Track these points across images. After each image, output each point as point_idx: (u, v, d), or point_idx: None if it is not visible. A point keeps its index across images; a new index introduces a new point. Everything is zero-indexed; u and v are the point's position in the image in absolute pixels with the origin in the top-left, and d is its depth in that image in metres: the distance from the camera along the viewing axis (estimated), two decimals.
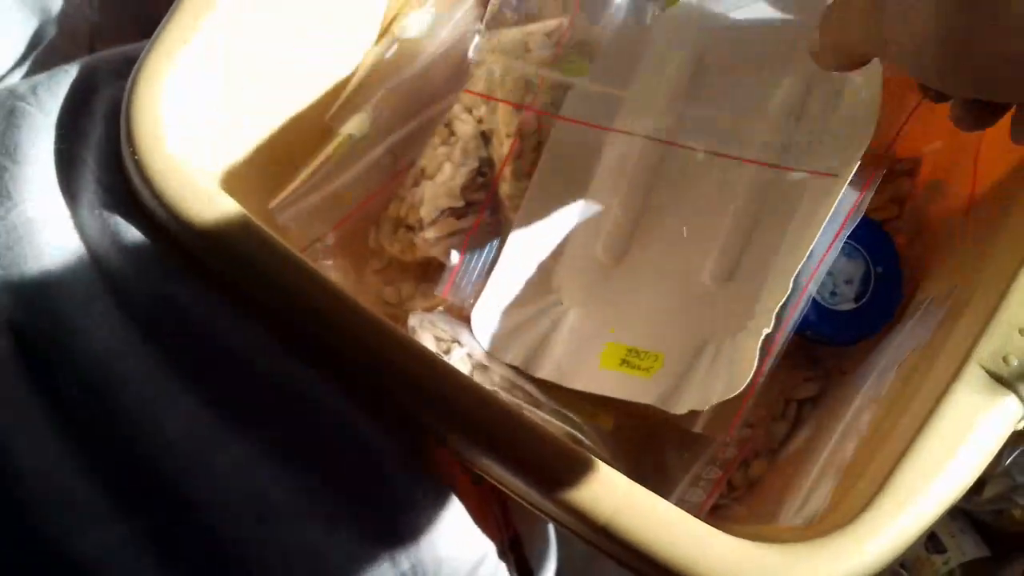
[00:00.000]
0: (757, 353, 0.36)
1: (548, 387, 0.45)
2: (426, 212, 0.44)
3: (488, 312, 0.43)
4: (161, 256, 0.35)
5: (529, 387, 0.44)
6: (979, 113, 0.33)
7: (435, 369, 0.33)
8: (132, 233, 0.35)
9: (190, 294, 0.35)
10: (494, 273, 0.44)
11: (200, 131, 0.38)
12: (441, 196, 0.44)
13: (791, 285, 0.37)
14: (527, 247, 0.44)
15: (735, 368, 0.37)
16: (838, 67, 0.36)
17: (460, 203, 0.44)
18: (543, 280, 0.44)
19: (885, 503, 0.31)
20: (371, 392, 0.35)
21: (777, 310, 0.37)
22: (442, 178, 0.44)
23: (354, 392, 0.34)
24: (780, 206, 0.41)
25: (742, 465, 0.42)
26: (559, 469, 0.31)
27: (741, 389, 0.36)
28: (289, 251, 0.34)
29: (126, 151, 0.35)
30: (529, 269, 0.44)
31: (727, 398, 0.36)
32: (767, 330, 0.36)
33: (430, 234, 0.44)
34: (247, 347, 0.34)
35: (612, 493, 0.31)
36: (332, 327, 0.33)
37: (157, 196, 0.34)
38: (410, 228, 0.46)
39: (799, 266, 0.37)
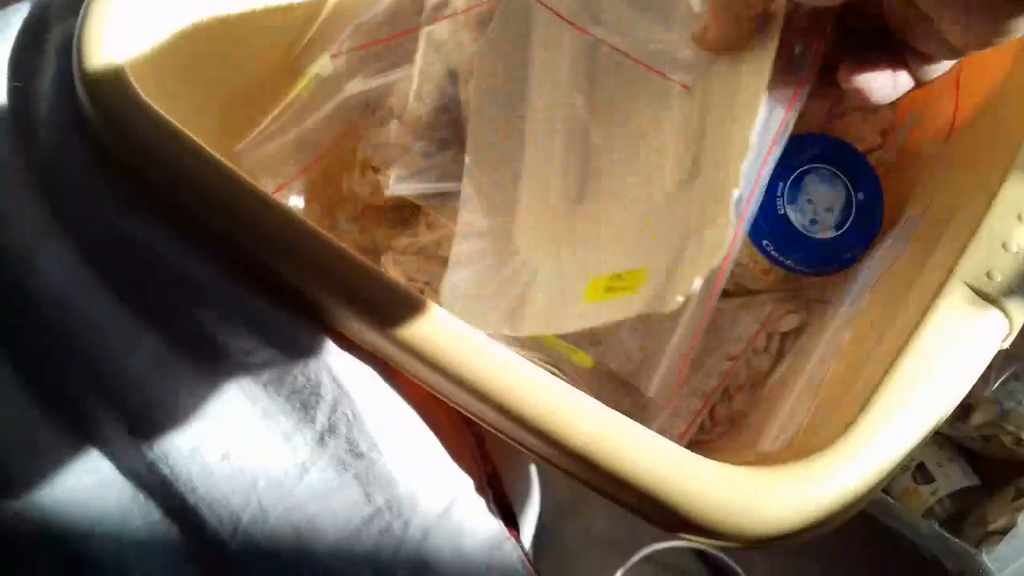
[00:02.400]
0: (732, 213, 0.34)
1: None
2: (392, 151, 0.43)
3: (456, 289, 0.42)
4: (115, 190, 0.34)
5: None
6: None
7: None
8: (86, 168, 0.34)
9: (145, 227, 0.33)
10: (453, 247, 0.42)
11: (155, 65, 0.36)
12: (406, 134, 0.43)
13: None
14: (481, 210, 0.43)
15: (714, 239, 0.36)
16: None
17: (425, 141, 0.43)
18: (505, 242, 0.43)
19: (866, 424, 0.30)
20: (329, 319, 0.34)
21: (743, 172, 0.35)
22: (408, 117, 0.43)
23: (318, 321, 0.34)
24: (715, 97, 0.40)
25: (724, 399, 0.41)
26: (533, 395, 0.31)
27: (724, 252, 0.34)
28: (246, 180, 0.33)
29: (79, 86, 0.34)
30: (488, 234, 0.43)
31: (713, 267, 0.33)
32: (736, 191, 0.35)
33: (395, 173, 0.43)
34: (203, 277, 0.33)
35: (588, 418, 0.30)
36: (295, 255, 0.32)
37: (111, 127, 0.33)
38: (376, 170, 0.45)
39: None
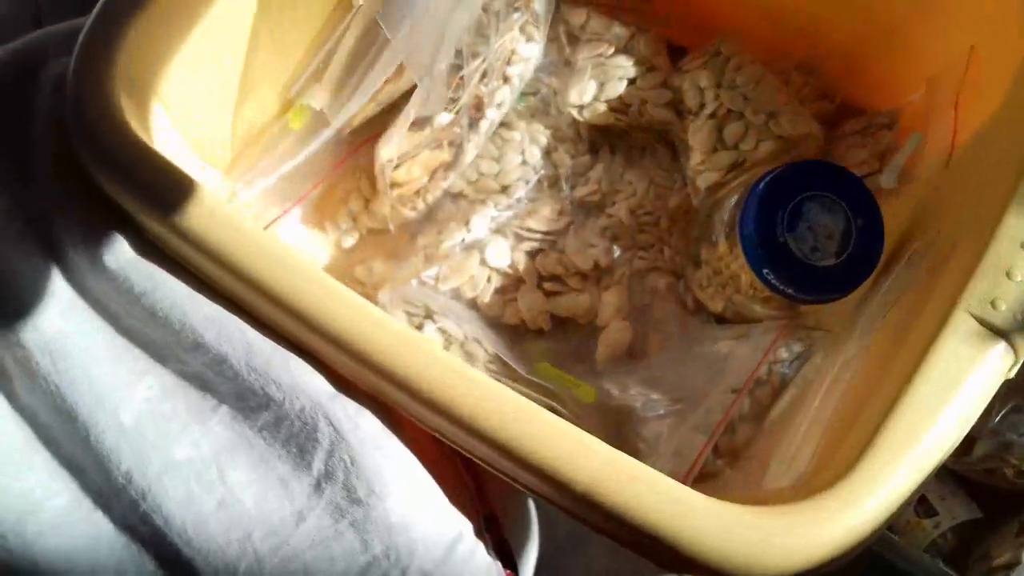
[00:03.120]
0: None
1: (529, 361, 0.44)
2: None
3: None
4: (112, 235, 0.34)
5: (510, 361, 0.43)
6: None
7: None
8: (84, 212, 0.34)
9: (146, 272, 0.33)
10: None
11: (154, 101, 0.36)
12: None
13: None
14: None
15: None
16: None
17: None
18: None
19: (873, 460, 0.30)
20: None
21: None
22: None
23: (322, 369, 0.33)
24: None
25: (728, 430, 0.41)
26: (536, 435, 0.30)
27: None
28: (244, 222, 0.32)
29: (73, 122, 0.34)
30: None
31: None
32: None
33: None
34: (207, 327, 0.33)
35: (591, 459, 0.30)
36: (292, 299, 0.32)
37: (106, 166, 0.33)
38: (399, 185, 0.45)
39: None
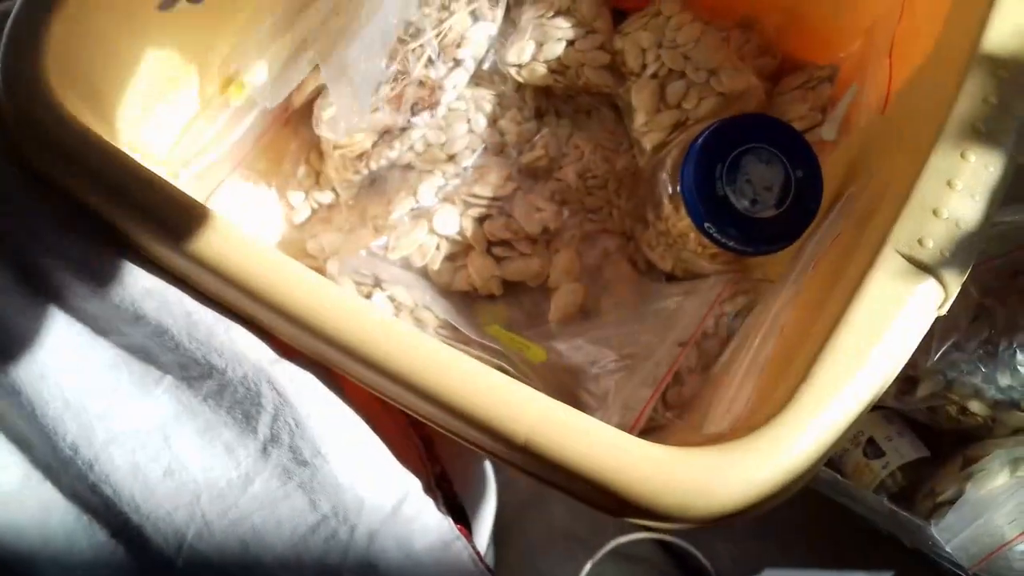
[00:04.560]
0: None
1: (480, 324, 0.44)
2: None
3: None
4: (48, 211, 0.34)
5: (461, 326, 0.43)
6: None
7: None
8: (16, 193, 0.34)
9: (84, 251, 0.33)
10: None
11: (85, 71, 0.36)
12: None
13: None
14: None
15: None
16: None
17: None
18: None
19: (806, 399, 0.30)
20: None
21: None
22: None
23: (264, 335, 0.34)
24: None
25: (676, 383, 0.41)
26: (475, 389, 0.31)
27: None
28: (180, 192, 0.33)
29: (3, 97, 0.34)
30: None
31: None
32: None
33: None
34: (146, 299, 0.33)
35: (529, 409, 0.30)
36: (230, 269, 0.32)
37: (41, 142, 0.33)
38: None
39: None
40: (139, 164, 0.33)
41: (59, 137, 0.33)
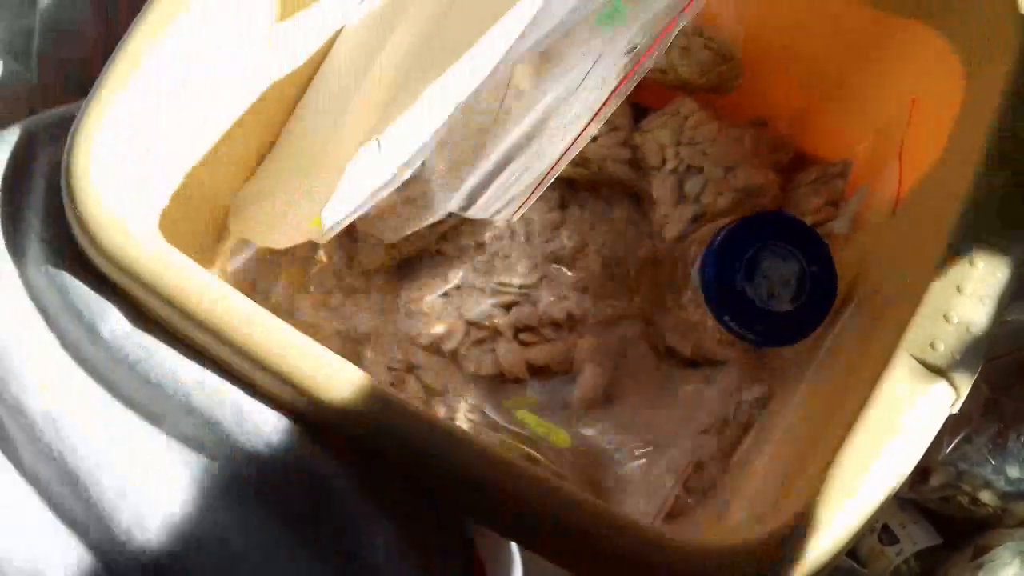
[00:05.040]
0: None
1: (509, 410, 0.46)
2: None
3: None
4: (108, 307, 0.36)
5: (489, 411, 0.45)
6: None
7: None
8: (78, 287, 0.36)
9: (139, 342, 0.35)
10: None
11: (143, 184, 0.39)
12: None
13: None
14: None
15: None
16: None
17: None
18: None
19: (826, 496, 0.32)
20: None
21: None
22: None
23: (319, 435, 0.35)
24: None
25: (697, 470, 0.43)
26: (506, 481, 0.32)
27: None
28: (231, 293, 0.35)
29: (68, 208, 0.36)
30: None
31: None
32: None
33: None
34: (198, 392, 0.35)
35: (559, 504, 0.32)
36: (281, 368, 0.34)
37: (99, 248, 0.35)
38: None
39: None
40: (190, 264, 0.35)
41: (112, 241, 0.35)
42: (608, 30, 0.46)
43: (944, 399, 0.34)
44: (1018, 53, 0.39)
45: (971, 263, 0.36)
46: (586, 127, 0.41)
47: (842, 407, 0.35)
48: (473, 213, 0.41)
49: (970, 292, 0.35)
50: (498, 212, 0.41)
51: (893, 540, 0.51)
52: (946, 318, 0.35)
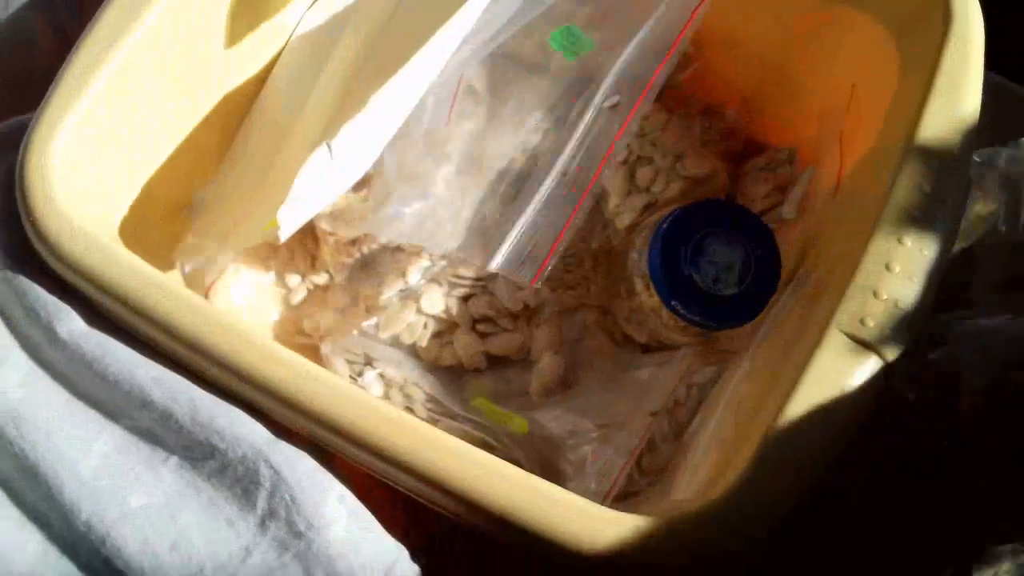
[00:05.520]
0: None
1: (467, 399, 0.47)
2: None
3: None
4: (64, 309, 0.37)
5: (445, 400, 0.46)
6: None
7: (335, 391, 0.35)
8: (35, 291, 0.37)
9: (95, 341, 0.37)
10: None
11: (94, 188, 0.40)
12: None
13: None
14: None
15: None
16: None
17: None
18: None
19: (759, 469, 0.33)
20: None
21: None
22: None
23: (262, 417, 0.37)
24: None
25: (650, 451, 0.44)
26: (456, 466, 0.33)
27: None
28: (184, 293, 0.36)
29: (23, 213, 0.37)
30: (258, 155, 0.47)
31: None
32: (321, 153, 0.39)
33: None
34: (154, 386, 0.36)
35: (507, 484, 0.33)
36: (230, 360, 0.35)
37: (54, 253, 0.36)
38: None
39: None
40: (145, 267, 0.36)
41: (68, 246, 0.37)
42: (570, 57, 0.48)
43: (874, 373, 0.35)
44: (944, 37, 0.40)
45: (899, 241, 0.37)
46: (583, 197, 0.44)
47: (780, 381, 0.36)
48: (498, 266, 0.43)
49: (899, 270, 0.36)
50: (521, 268, 0.43)
51: None
52: (875, 295, 0.36)
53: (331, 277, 0.52)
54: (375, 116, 0.40)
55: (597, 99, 0.45)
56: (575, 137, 0.45)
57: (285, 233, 0.39)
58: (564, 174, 0.44)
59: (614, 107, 0.45)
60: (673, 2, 0.45)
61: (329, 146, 0.39)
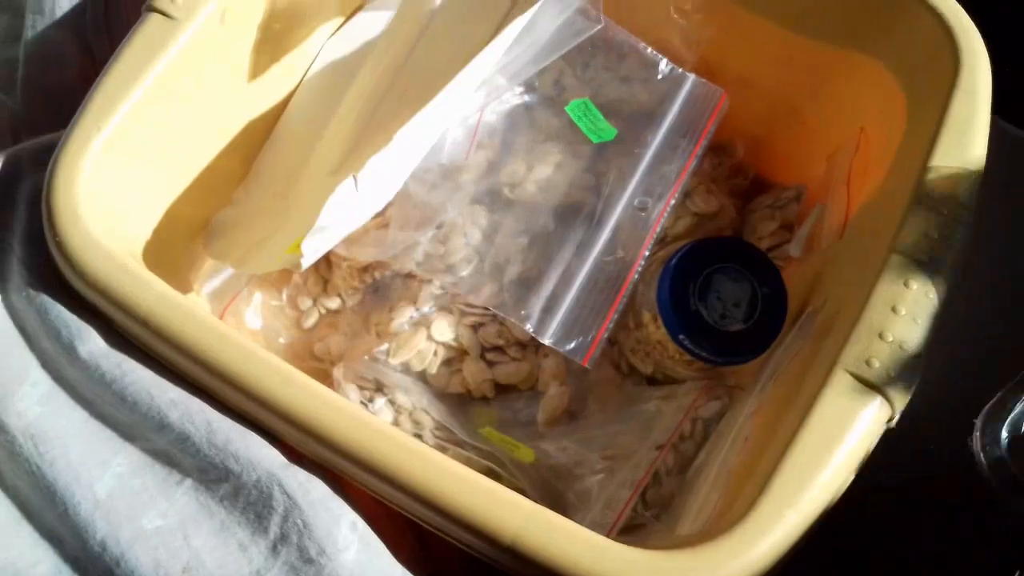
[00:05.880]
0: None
1: (474, 427, 0.48)
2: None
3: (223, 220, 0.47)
4: (85, 328, 0.38)
5: (453, 427, 0.47)
6: None
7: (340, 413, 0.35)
8: (57, 309, 0.38)
9: (115, 361, 0.37)
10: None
11: (118, 210, 0.40)
12: None
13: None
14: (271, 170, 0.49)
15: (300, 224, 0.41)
16: None
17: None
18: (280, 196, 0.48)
19: (764, 508, 0.33)
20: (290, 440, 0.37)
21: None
22: None
23: (276, 442, 0.37)
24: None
25: (655, 483, 0.44)
26: (465, 494, 0.34)
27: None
28: (205, 316, 0.37)
29: (48, 233, 0.38)
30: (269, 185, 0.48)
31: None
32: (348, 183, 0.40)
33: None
34: (171, 409, 0.36)
35: (516, 513, 0.34)
36: (248, 384, 0.36)
37: (78, 272, 0.37)
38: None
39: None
40: (166, 289, 0.37)
41: (92, 266, 0.37)
42: (593, 139, 0.49)
43: (880, 414, 0.36)
44: (952, 84, 0.41)
45: (906, 284, 0.38)
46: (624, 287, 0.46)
47: (784, 421, 0.36)
48: (550, 342, 0.45)
49: (904, 312, 0.37)
50: (571, 347, 0.45)
51: None
52: (881, 336, 0.37)
53: (343, 302, 0.52)
54: (399, 150, 0.41)
55: (625, 200, 0.48)
56: (607, 228, 0.48)
57: (307, 262, 0.40)
58: (604, 258, 0.47)
59: (643, 209, 0.47)
60: (691, 97, 0.46)
61: (355, 178, 0.40)
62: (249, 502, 0.36)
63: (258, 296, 0.51)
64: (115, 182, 0.40)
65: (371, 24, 0.50)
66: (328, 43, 0.51)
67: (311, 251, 0.40)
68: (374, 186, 0.42)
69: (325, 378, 0.49)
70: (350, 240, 0.50)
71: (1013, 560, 0.42)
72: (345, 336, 0.51)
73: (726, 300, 0.45)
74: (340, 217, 0.41)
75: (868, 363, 0.36)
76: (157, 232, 0.43)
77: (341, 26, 0.52)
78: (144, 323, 0.37)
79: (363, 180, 0.40)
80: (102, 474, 0.36)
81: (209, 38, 0.43)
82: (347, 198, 0.40)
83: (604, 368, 0.51)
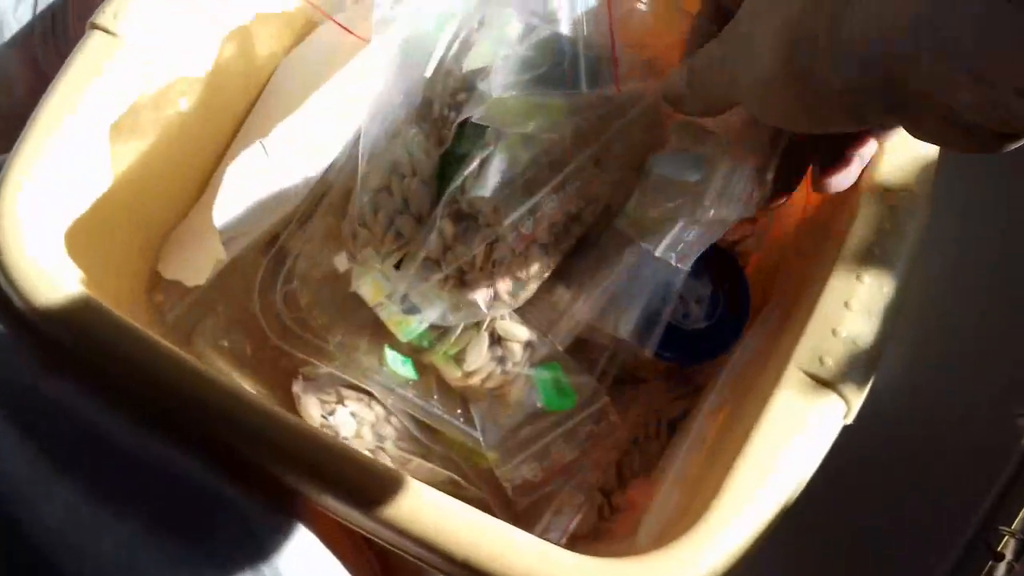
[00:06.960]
0: None
1: (435, 432, 0.47)
2: None
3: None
4: (31, 353, 0.37)
5: (421, 436, 0.46)
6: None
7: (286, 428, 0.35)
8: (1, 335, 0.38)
9: (58, 386, 0.37)
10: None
11: (65, 233, 0.40)
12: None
13: None
14: None
15: None
16: (704, 113, 0.37)
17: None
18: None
19: (716, 514, 0.33)
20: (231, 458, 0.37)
21: None
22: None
23: (216, 460, 0.37)
24: None
25: (620, 486, 0.44)
26: (419, 512, 0.34)
27: None
28: (145, 334, 0.36)
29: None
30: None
31: None
32: None
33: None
34: (114, 432, 0.36)
35: (468, 529, 0.33)
36: (185, 400, 0.35)
37: (20, 296, 0.37)
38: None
39: None
40: (113, 315, 0.36)
41: (40, 296, 0.37)
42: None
43: (835, 411, 0.36)
44: None
45: (858, 278, 0.37)
46: None
47: (740, 422, 0.36)
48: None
49: (857, 307, 0.37)
50: None
51: None
52: (834, 333, 0.36)
53: (305, 320, 0.52)
54: (314, 117, 0.41)
55: None
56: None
57: (219, 221, 0.40)
58: None
59: None
60: None
61: (263, 144, 0.40)
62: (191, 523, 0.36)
63: (223, 311, 0.51)
64: (65, 204, 0.40)
65: (322, 48, 0.50)
66: (279, 70, 0.50)
67: (221, 220, 0.40)
68: (291, 154, 0.41)
69: (285, 392, 0.48)
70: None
71: None
72: (307, 352, 0.50)
73: (688, 297, 0.44)
74: (254, 183, 0.41)
75: (821, 360, 0.36)
76: (112, 254, 0.43)
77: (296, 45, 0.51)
78: (93, 350, 0.36)
79: (272, 145, 0.40)
80: (49, 502, 0.36)
81: (156, 56, 0.43)
82: (257, 164, 0.40)
83: None
